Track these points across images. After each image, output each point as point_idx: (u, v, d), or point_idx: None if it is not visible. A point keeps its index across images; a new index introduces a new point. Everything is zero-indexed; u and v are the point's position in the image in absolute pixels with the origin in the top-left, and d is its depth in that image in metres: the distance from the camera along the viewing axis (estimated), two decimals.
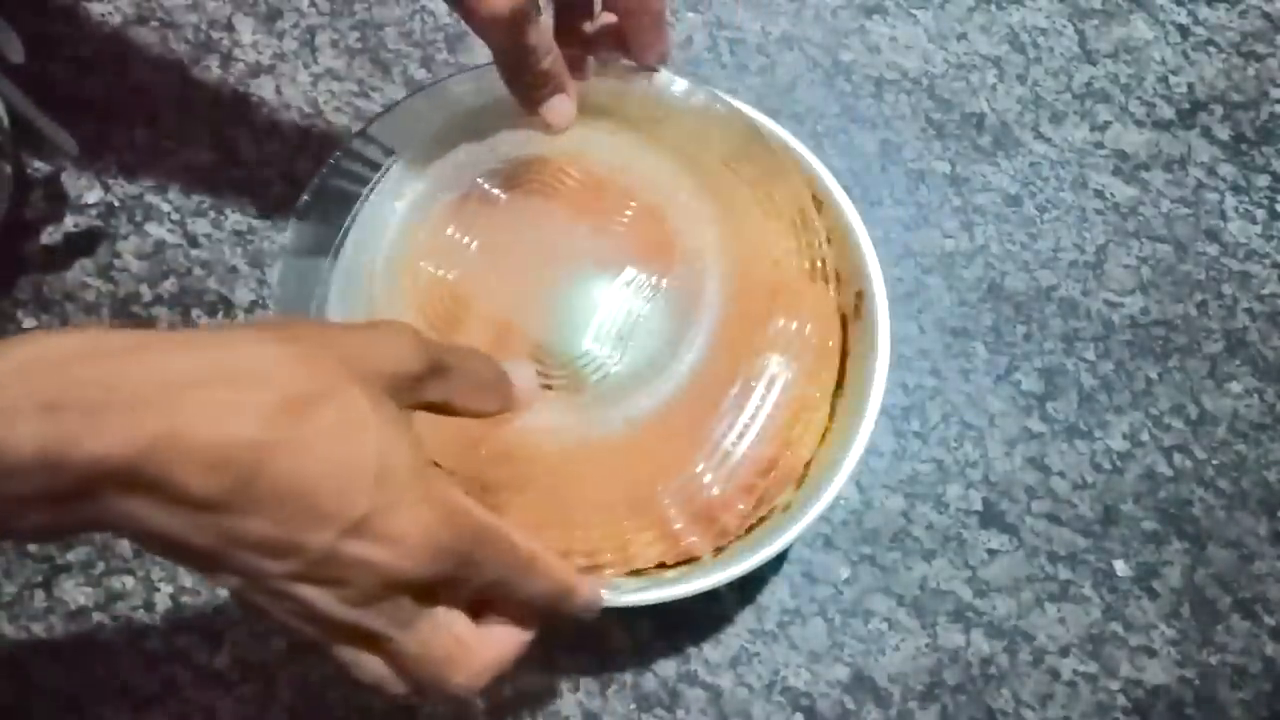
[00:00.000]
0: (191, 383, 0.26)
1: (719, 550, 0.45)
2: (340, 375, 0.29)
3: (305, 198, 0.44)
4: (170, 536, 0.27)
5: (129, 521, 0.26)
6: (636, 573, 0.44)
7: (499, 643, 0.34)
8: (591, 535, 0.42)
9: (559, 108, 0.42)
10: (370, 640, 0.30)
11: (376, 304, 0.43)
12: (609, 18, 0.44)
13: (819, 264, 0.46)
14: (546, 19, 0.43)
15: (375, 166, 0.45)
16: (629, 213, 0.45)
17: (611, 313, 0.43)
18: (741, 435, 0.42)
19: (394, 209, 0.45)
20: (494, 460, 0.41)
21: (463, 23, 0.40)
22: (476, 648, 0.32)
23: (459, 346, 0.36)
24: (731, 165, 0.46)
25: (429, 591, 0.30)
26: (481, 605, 0.33)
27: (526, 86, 0.41)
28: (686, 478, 0.42)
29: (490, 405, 0.36)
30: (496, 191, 0.45)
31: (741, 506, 0.43)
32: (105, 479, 0.25)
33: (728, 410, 0.42)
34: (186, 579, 0.49)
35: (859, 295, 0.47)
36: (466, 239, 0.44)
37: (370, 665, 0.31)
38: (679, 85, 0.45)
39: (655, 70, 0.45)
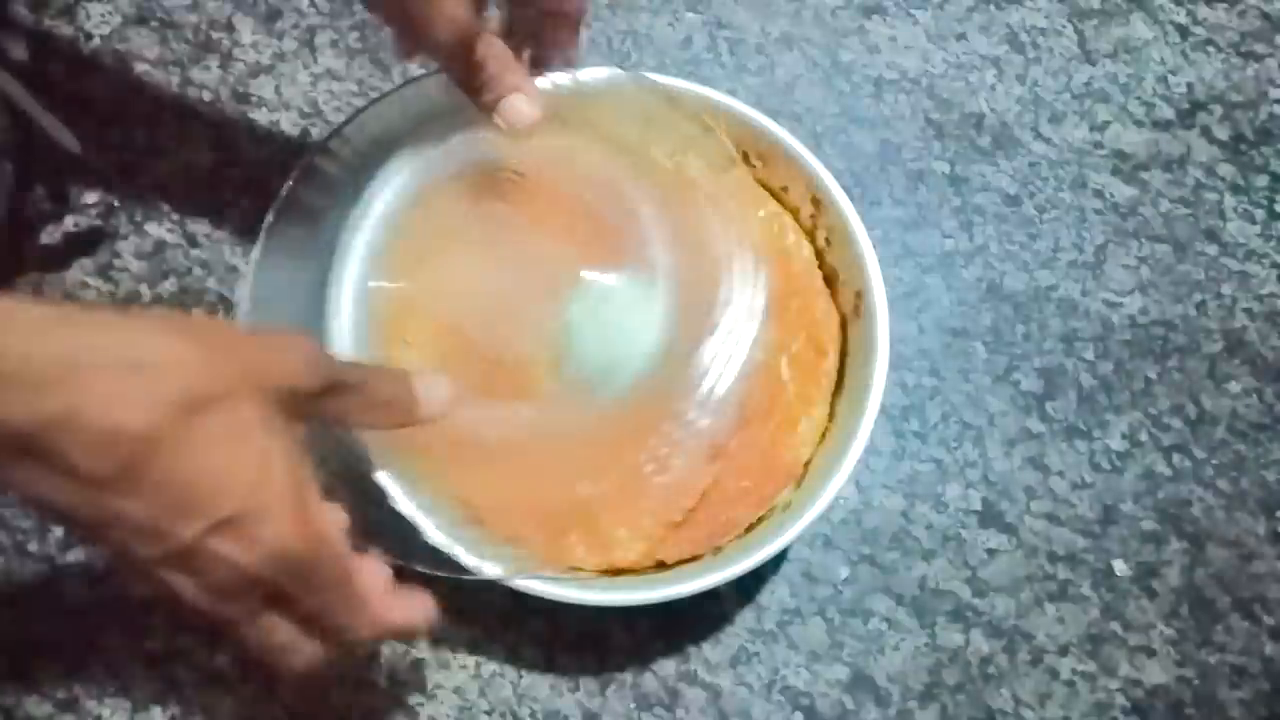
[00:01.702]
0: (98, 365, 0.28)
1: (718, 550, 0.45)
2: (237, 383, 0.31)
3: (270, 217, 0.43)
4: (56, 505, 0.29)
5: (21, 486, 0.28)
6: (636, 572, 0.45)
7: (309, 650, 0.35)
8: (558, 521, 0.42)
9: (516, 107, 0.41)
10: (222, 622, 0.33)
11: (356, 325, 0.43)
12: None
13: (782, 231, 0.47)
14: (494, 26, 0.42)
15: (341, 176, 0.45)
16: (580, 212, 0.45)
17: (567, 313, 0.43)
18: (701, 409, 0.42)
19: (362, 223, 0.44)
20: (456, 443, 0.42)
21: None
22: (305, 646, 0.35)
23: (362, 366, 0.38)
24: (676, 156, 0.46)
25: (273, 594, 0.32)
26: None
27: (478, 92, 0.41)
28: (649, 454, 0.42)
29: (388, 422, 0.37)
30: (451, 200, 0.45)
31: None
32: (4, 444, 0.27)
33: (688, 393, 0.43)
34: None
35: (858, 295, 0.47)
36: (421, 250, 0.44)
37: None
38: (606, 75, 0.45)
39: (563, 70, 0.44)
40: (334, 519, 0.35)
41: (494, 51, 0.40)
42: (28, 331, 0.28)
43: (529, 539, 0.42)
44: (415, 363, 0.43)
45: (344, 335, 0.42)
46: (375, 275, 0.43)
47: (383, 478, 0.41)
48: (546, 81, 0.44)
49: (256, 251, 0.43)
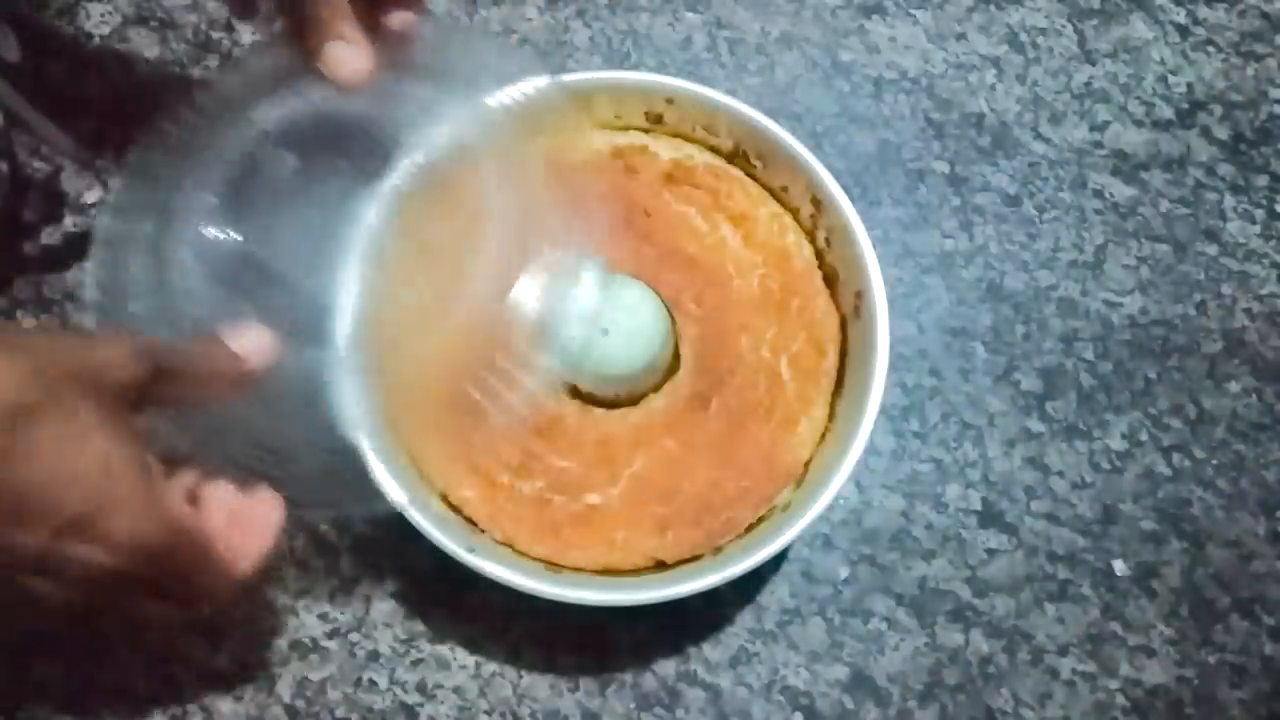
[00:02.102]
0: None
1: (718, 550, 0.45)
2: (63, 388, 0.31)
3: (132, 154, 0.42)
4: None
5: None
6: (636, 572, 0.45)
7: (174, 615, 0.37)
8: None
9: (338, 55, 0.38)
10: (91, 613, 0.34)
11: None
12: None
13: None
14: None
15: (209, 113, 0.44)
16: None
17: (541, 307, 0.43)
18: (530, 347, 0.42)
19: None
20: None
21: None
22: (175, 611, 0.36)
23: (180, 342, 0.38)
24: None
25: (135, 580, 0.33)
26: None
27: (303, 32, 0.38)
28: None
29: (221, 391, 0.37)
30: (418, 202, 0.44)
31: None
32: None
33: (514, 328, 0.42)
34: None
35: (858, 295, 0.47)
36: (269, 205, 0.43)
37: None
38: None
39: (399, 34, 0.42)
40: (179, 485, 0.36)
41: None
42: None
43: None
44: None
45: (187, 288, 0.41)
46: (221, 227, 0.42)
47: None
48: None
49: (118, 182, 0.43)
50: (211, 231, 0.42)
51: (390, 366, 0.42)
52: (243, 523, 0.37)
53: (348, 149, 0.44)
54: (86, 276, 0.43)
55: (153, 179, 0.43)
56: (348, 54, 0.38)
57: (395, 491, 0.42)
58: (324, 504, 0.41)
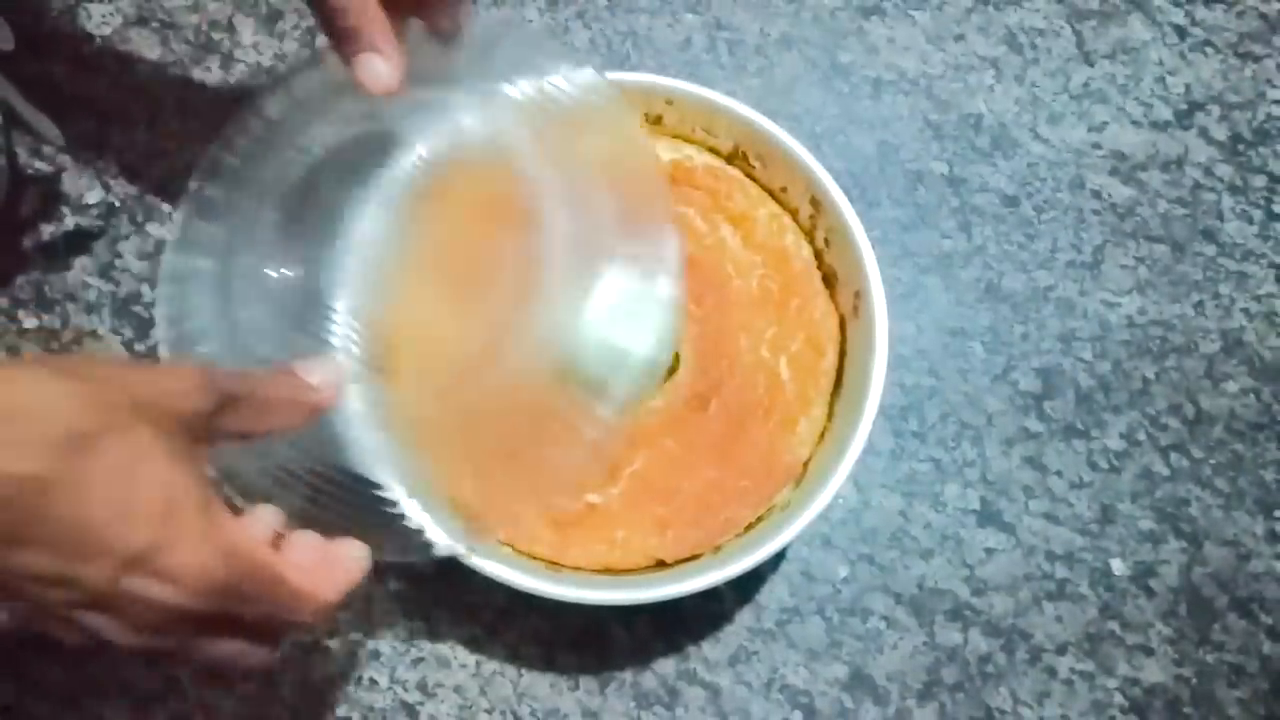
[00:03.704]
0: None
1: (718, 549, 0.45)
2: (128, 416, 0.30)
3: (193, 182, 0.42)
4: None
5: None
6: (635, 571, 0.45)
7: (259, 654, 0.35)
8: None
9: (372, 67, 0.38)
10: (158, 653, 0.32)
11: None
12: None
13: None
14: None
15: (264, 139, 0.44)
16: (504, 212, 0.43)
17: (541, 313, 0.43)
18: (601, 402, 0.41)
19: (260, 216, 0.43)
20: None
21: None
22: (252, 652, 0.34)
23: (251, 372, 0.37)
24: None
25: (206, 619, 0.32)
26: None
27: (337, 42, 0.39)
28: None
29: (290, 422, 0.36)
30: (401, 223, 0.43)
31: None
32: None
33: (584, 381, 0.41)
34: None
35: (857, 295, 0.47)
36: (388, 266, 0.43)
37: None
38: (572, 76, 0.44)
39: (449, 39, 0.42)
40: (257, 523, 0.34)
41: (357, 3, 0.38)
42: None
43: (482, 512, 0.42)
44: (406, 398, 0.42)
45: (262, 331, 0.42)
46: (285, 263, 0.43)
47: (355, 468, 0.40)
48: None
49: (178, 215, 0.43)
50: (272, 269, 0.42)
51: (422, 398, 0.41)
52: (329, 559, 0.36)
53: (393, 163, 0.43)
54: (155, 312, 0.43)
55: (212, 212, 0.43)
56: (381, 67, 0.39)
57: (444, 538, 0.40)
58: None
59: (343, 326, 0.42)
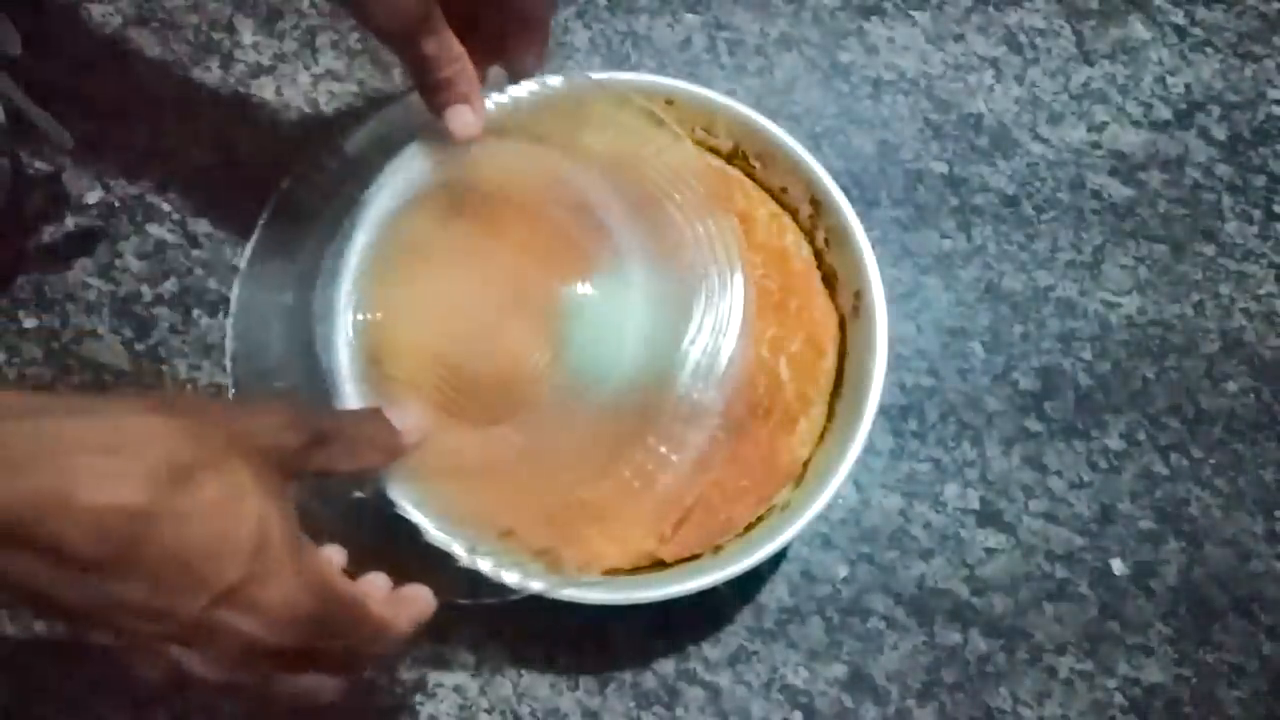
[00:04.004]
0: (81, 448, 0.27)
1: (718, 549, 0.45)
2: (223, 448, 0.30)
3: (265, 215, 0.44)
4: (46, 593, 0.28)
5: (9, 579, 0.27)
6: (634, 571, 0.45)
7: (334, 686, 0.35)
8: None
9: (459, 117, 0.41)
10: (238, 689, 0.32)
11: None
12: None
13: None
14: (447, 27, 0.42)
15: (340, 176, 0.45)
16: (547, 225, 0.44)
17: (547, 328, 0.43)
18: (684, 423, 0.42)
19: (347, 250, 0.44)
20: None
21: None
22: (328, 683, 0.35)
23: (342, 412, 0.38)
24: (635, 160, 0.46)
25: (288, 653, 0.32)
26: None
27: (428, 92, 0.41)
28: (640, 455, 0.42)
29: (374, 461, 0.37)
30: (420, 222, 0.44)
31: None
32: None
33: (668, 407, 0.42)
34: None
35: (857, 295, 0.48)
36: (394, 277, 0.44)
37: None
38: (557, 81, 0.45)
39: (529, 77, 0.44)
40: (332, 561, 0.35)
41: (450, 54, 0.40)
42: (6, 419, 0.27)
43: (555, 549, 0.42)
44: (401, 396, 0.42)
45: (342, 372, 0.42)
46: (359, 308, 0.43)
47: (412, 513, 0.41)
48: (505, 96, 0.44)
49: (249, 249, 0.43)
50: (352, 313, 0.43)
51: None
52: (398, 595, 0.36)
53: (474, 212, 0.44)
54: (226, 344, 0.44)
55: (287, 248, 0.44)
56: (469, 117, 0.41)
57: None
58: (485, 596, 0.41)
59: (415, 370, 0.42)
